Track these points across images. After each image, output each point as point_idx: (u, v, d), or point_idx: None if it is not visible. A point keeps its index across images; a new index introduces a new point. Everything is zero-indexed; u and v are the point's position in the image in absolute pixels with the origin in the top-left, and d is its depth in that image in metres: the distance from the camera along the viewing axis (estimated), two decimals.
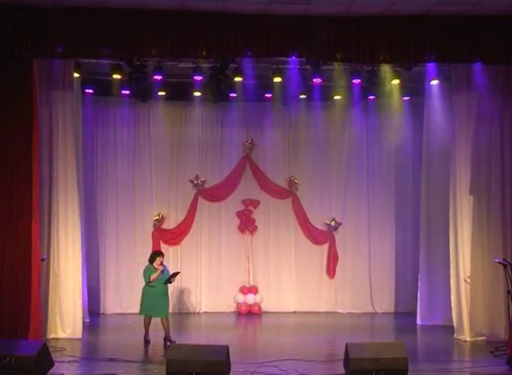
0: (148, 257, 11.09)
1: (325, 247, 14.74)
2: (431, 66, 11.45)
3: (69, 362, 9.00)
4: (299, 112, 14.42)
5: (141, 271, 14.17)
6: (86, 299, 12.56)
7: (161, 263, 10.65)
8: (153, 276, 10.45)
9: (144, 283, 10.93)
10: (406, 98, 14.01)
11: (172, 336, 10.80)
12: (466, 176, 11.09)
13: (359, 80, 12.44)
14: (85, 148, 13.39)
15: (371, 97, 13.83)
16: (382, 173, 14.72)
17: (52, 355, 8.52)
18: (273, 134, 14.74)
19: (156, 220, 14.55)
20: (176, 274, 10.72)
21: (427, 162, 12.96)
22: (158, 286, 10.47)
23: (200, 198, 14.73)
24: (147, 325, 10.57)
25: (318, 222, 14.75)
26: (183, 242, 14.57)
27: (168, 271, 10.81)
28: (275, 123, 14.72)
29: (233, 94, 13.43)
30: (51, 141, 11.06)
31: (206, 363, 7.82)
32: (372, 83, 12.56)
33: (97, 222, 14.35)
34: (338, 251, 14.70)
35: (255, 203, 14.81)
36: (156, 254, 10.72)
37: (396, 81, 12.34)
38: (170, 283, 10.71)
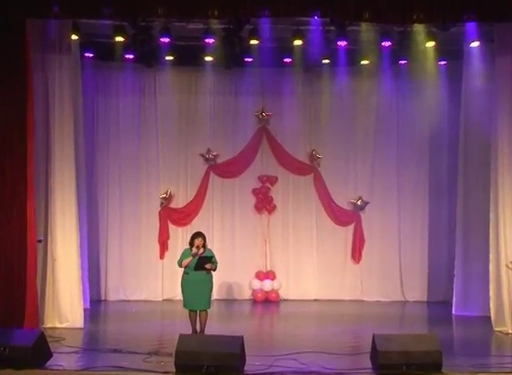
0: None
1: (350, 228, 14.75)
2: (470, 26, 11.21)
3: (68, 353, 9.03)
4: (321, 78, 14.33)
5: (147, 254, 14.56)
6: (86, 285, 12.63)
7: (200, 246, 10.01)
8: (185, 262, 10.02)
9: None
10: (442, 63, 13.81)
11: (180, 325, 10.75)
12: (509, 152, 10.89)
13: (389, 43, 12.25)
14: (85, 119, 13.38)
15: (403, 61, 13.67)
16: (414, 147, 14.60)
17: (50, 345, 8.51)
18: (293, 104, 14.68)
19: (163, 199, 14.56)
20: (206, 259, 9.95)
21: (465, 134, 12.73)
22: (192, 273, 10.03)
23: (211, 174, 14.73)
24: (192, 320, 10.09)
25: (343, 201, 14.74)
26: (193, 223, 14.57)
27: (211, 255, 10.10)
28: (295, 91, 14.64)
29: (249, 59, 13.34)
30: (47, 111, 11.04)
31: (218, 355, 7.80)
32: (404, 46, 12.35)
33: (98, 201, 14.40)
34: (364, 234, 14.69)
35: (273, 180, 14.80)
36: (194, 235, 10.17)
37: (431, 43, 12.15)
38: (203, 269, 9.95)
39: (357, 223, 14.68)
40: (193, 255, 10.00)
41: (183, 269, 10.15)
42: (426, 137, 14.54)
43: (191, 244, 10.13)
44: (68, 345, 9.49)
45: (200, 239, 10.09)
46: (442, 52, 13.05)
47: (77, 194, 11.33)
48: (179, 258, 10.18)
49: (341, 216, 14.70)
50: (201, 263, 9.95)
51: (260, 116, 14.72)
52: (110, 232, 14.48)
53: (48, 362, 8.29)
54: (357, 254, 14.67)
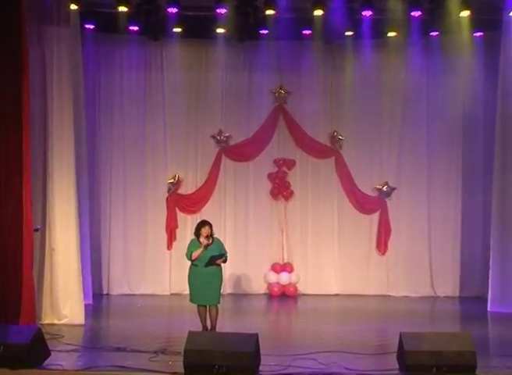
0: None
1: (375, 217, 14.75)
2: None
3: (68, 351, 9.05)
4: (344, 53, 14.31)
5: (154, 245, 14.59)
6: (88, 277, 12.65)
7: (208, 236, 10.04)
8: (195, 254, 9.98)
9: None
10: (478, 34, 13.67)
11: (189, 321, 10.77)
12: None
13: (419, 13, 12.14)
14: (85, 98, 13.35)
15: (434, 33, 13.54)
16: (446, 129, 14.51)
17: (48, 342, 8.54)
18: (312, 80, 14.66)
19: (171, 184, 14.58)
20: (219, 257, 9.98)
21: (503, 114, 12.57)
22: (202, 265, 10.00)
23: (223, 157, 14.74)
24: (202, 316, 10.10)
25: (367, 186, 14.73)
26: (204, 210, 14.61)
27: (220, 247, 10.13)
28: (315, 66, 14.62)
29: (264, 31, 13.30)
30: (44, 90, 11.03)
31: (231, 354, 7.81)
32: (436, 16, 12.23)
33: (100, 186, 14.46)
34: (390, 222, 14.68)
35: (290, 163, 14.78)
36: (200, 224, 10.15)
37: (465, 13, 12.00)
38: (214, 265, 10.00)
39: (383, 210, 14.67)
40: (205, 247, 10.00)
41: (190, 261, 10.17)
42: (459, 117, 14.45)
43: (197, 234, 10.12)
44: (67, 343, 9.51)
45: (207, 228, 10.07)
46: (478, 23, 12.87)
47: (77, 179, 11.34)
48: (186, 250, 10.14)
49: (365, 203, 14.69)
50: (213, 260, 9.98)
51: (277, 94, 14.68)
52: (113, 221, 14.52)
53: (46, 361, 8.30)
54: (382, 245, 14.66)
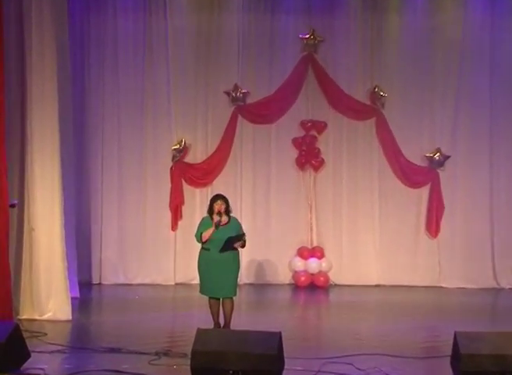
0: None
1: (425, 191, 14.75)
2: None
3: (51, 352, 9.10)
4: None
5: (155, 225, 14.60)
6: (74, 264, 12.65)
7: (221, 213, 9.99)
8: (205, 234, 9.94)
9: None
10: None
11: (198, 317, 10.74)
12: None
13: None
14: (72, 47, 13.24)
15: None
16: None
17: (27, 342, 8.57)
18: (349, 24, 14.61)
19: (176, 151, 14.58)
20: (237, 239, 9.92)
21: None
22: (215, 250, 9.95)
23: (240, 118, 14.71)
24: (213, 310, 10.14)
25: (415, 154, 14.71)
26: (216, 183, 14.63)
27: (238, 228, 10.06)
28: (353, 8, 14.55)
29: None
30: (21, 35, 10.97)
31: (248, 357, 7.81)
32: None
33: (90, 153, 14.49)
34: (443, 198, 14.66)
35: (321, 126, 14.73)
36: (212, 199, 10.14)
37: None
38: (232, 249, 9.94)
39: (434, 184, 14.66)
40: (217, 225, 9.93)
41: (200, 244, 10.13)
42: None
43: (210, 211, 10.09)
44: (51, 342, 9.56)
45: (220, 203, 10.02)
46: None
47: (62, 143, 11.28)
48: (196, 230, 10.12)
49: (412, 175, 14.68)
50: (230, 244, 9.91)
51: (306, 41, 14.60)
52: (106, 195, 14.59)
53: (25, 365, 8.32)
54: (433, 225, 14.67)
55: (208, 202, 10.32)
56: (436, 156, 14.61)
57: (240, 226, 10.19)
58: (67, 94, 12.23)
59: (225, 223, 10.00)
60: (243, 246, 10.12)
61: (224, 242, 9.87)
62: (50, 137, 11.03)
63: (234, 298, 10.15)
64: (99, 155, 14.56)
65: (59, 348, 9.32)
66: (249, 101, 14.73)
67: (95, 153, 14.53)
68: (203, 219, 10.22)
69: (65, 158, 11.69)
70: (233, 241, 9.92)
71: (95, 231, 14.54)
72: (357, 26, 14.59)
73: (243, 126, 14.74)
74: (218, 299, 10.12)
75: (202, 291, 10.16)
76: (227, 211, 10.06)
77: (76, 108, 13.56)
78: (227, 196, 10.28)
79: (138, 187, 14.61)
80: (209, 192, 14.38)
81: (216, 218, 9.97)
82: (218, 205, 10.01)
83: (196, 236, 10.08)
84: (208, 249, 10.01)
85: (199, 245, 10.19)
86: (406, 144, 14.64)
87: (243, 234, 10.04)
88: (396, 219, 14.71)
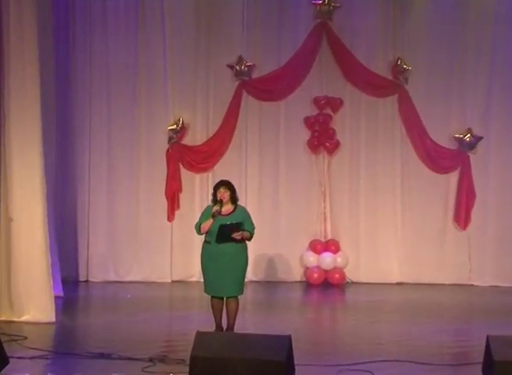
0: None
1: (454, 177, 14.79)
2: None
3: (32, 358, 9.04)
4: None
5: (149, 215, 14.55)
6: (58, 259, 12.61)
7: (225, 201, 9.89)
8: (204, 226, 9.89)
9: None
10: None
11: (197, 318, 10.76)
12: None
13: None
14: (55, 14, 13.22)
15: None
16: None
17: (5, 346, 8.44)
18: None
19: (173, 132, 14.53)
20: (231, 227, 9.77)
21: None
22: (215, 242, 9.88)
23: (245, 94, 14.70)
24: (216, 311, 10.11)
25: (443, 135, 14.71)
26: (217, 167, 14.63)
27: (245, 218, 9.93)
28: None
29: None
30: None
31: (254, 364, 7.77)
32: None
33: (75, 133, 14.44)
34: (475, 186, 14.64)
35: (336, 103, 14.71)
36: (216, 186, 10.06)
37: None
38: (229, 240, 9.79)
39: (464, 168, 14.68)
40: (214, 216, 9.81)
41: (203, 237, 10.09)
42: None
43: (214, 199, 10.00)
44: (32, 347, 9.53)
45: (223, 190, 9.93)
46: None
47: (43, 121, 11.18)
48: (198, 220, 10.06)
49: (440, 159, 14.67)
50: (225, 233, 9.76)
51: (319, 7, 14.53)
52: (94, 181, 14.57)
53: (3, 371, 8.22)
54: (462, 216, 14.69)
55: (213, 188, 10.19)
56: (467, 137, 14.60)
57: (247, 216, 10.01)
58: (49, 62, 12.20)
59: (230, 213, 9.89)
60: (249, 238, 9.96)
61: (217, 230, 9.73)
62: (30, 112, 10.97)
63: (239, 297, 10.06)
64: (85, 137, 14.50)
65: (41, 353, 9.29)
66: (255, 75, 14.70)
67: (81, 134, 14.48)
68: (206, 207, 10.20)
69: (47, 139, 11.62)
70: (229, 229, 9.74)
71: (81, 222, 14.51)
72: None
73: (249, 104, 14.72)
74: (222, 298, 10.05)
75: (206, 290, 10.08)
76: (233, 199, 9.95)
77: (59, 79, 13.52)
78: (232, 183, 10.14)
79: (130, 172, 14.58)
80: (210, 178, 14.41)
81: (215, 207, 9.85)
82: (221, 193, 9.90)
83: (195, 227, 10.01)
84: (209, 242, 9.95)
85: (200, 238, 10.15)
86: (432, 124, 14.62)
87: (241, 223, 9.82)
88: (420, 209, 14.69)
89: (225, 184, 9.96)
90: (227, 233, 9.72)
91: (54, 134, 12.92)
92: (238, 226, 9.75)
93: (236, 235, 9.77)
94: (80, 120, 14.45)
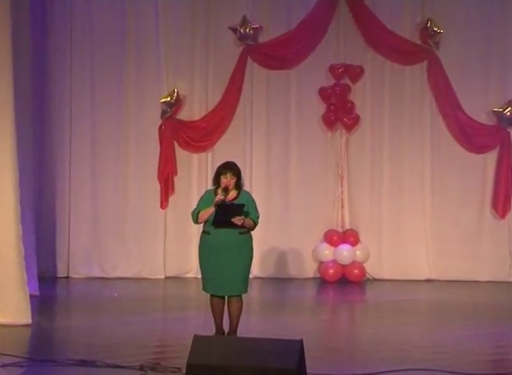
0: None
1: (492, 157, 14.82)
2: None
3: (4, 366, 8.95)
4: None
5: (139, 201, 14.56)
6: (33, 253, 12.55)
7: (230, 188, 9.79)
8: (202, 214, 9.80)
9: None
10: None
11: (194, 320, 10.86)
12: None
13: None
14: None
15: None
16: None
17: None
18: None
19: (167, 104, 14.50)
20: (233, 207, 9.72)
21: None
22: (215, 233, 9.81)
23: (250, 61, 14.68)
24: (216, 311, 10.09)
25: (480, 109, 14.74)
26: (218, 146, 14.65)
27: (249, 204, 9.87)
28: None
29: None
30: None
31: (260, 372, 7.77)
32: None
33: (54, 109, 14.45)
34: None
35: (355, 72, 14.73)
36: (220, 168, 9.93)
37: None
38: (229, 225, 9.69)
39: (504, 147, 14.71)
40: (217, 204, 9.69)
41: (201, 227, 10.02)
42: None
43: (217, 183, 9.89)
44: (4, 353, 9.44)
45: (230, 176, 9.80)
46: None
47: (16, 93, 11.09)
48: (195, 207, 9.97)
49: (476, 136, 14.68)
50: (225, 214, 9.64)
51: None
52: (75, 163, 14.61)
53: None
54: (501, 202, 14.71)
55: (215, 170, 10.03)
56: (507, 111, 14.60)
57: (252, 202, 9.91)
58: (22, 25, 12.08)
59: (233, 199, 9.79)
60: (252, 227, 9.86)
61: (215, 210, 9.63)
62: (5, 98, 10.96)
63: (243, 296, 10.01)
64: (66, 112, 14.54)
65: (15, 360, 9.20)
66: (262, 39, 14.70)
67: (60, 109, 14.51)
68: (206, 192, 10.10)
69: (21, 113, 11.58)
70: (229, 210, 9.63)
71: (61, 211, 14.55)
72: None
73: (254, 73, 14.74)
74: (223, 298, 9.99)
75: (205, 288, 10.02)
76: (238, 186, 9.88)
77: (36, 44, 13.51)
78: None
79: (117, 151, 14.60)
80: (209, 159, 14.45)
81: (220, 194, 9.73)
82: (227, 179, 9.75)
83: (192, 214, 9.86)
84: (208, 233, 9.86)
85: (198, 228, 10.16)
86: (467, 96, 14.65)
87: (244, 205, 9.69)
88: (453, 195, 14.71)
89: (233, 169, 9.82)
90: (227, 215, 9.59)
91: (29, 109, 12.86)
92: (240, 209, 9.62)
93: (237, 220, 9.63)
94: (60, 94, 14.52)
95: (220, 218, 9.60)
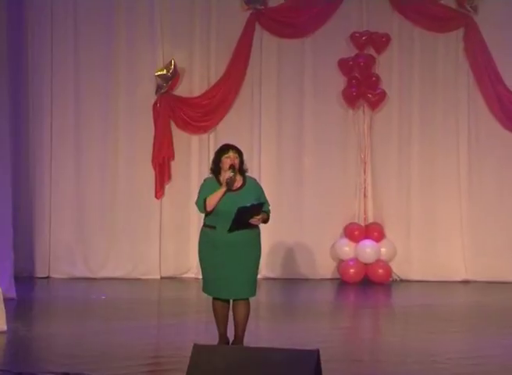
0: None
1: None
2: None
3: None
4: None
5: (131, 190, 14.71)
6: (9, 251, 12.68)
7: (235, 168, 9.85)
8: (210, 199, 9.86)
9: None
10: None
11: (194, 326, 10.95)
12: None
13: None
14: None
15: None
16: None
17: None
18: None
19: (163, 78, 14.56)
20: (253, 209, 9.73)
21: None
22: (222, 228, 9.82)
23: (258, 28, 14.75)
24: (219, 317, 10.14)
25: None
26: (221, 127, 14.77)
27: (258, 193, 9.94)
28: None
29: None
30: None
31: None
32: None
33: (32, 84, 14.54)
34: None
35: (381, 41, 14.78)
36: (221, 150, 10.00)
37: None
38: (246, 227, 9.77)
39: None
40: (227, 184, 9.73)
41: (201, 220, 10.02)
42: None
43: (216, 168, 9.94)
44: None
45: (233, 155, 9.85)
46: None
47: None
48: (197, 197, 9.92)
49: None
50: (244, 219, 9.68)
51: None
52: (57, 147, 14.73)
53: None
54: None
55: (213, 156, 10.06)
56: None
57: (260, 190, 9.99)
58: None
59: (239, 187, 9.86)
60: (265, 221, 9.92)
61: (235, 215, 9.63)
62: None
63: (251, 299, 10.05)
64: (46, 87, 14.64)
65: None
66: (271, 3, 14.73)
67: (40, 83, 14.62)
68: (205, 181, 10.07)
69: None
70: (249, 212, 9.69)
71: (40, 200, 14.65)
72: None
73: (264, 41, 14.83)
74: (227, 301, 10.05)
75: (206, 290, 10.09)
76: (241, 170, 9.93)
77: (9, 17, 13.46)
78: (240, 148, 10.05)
79: (105, 132, 14.70)
80: (211, 141, 14.55)
81: (228, 174, 9.78)
82: (231, 159, 9.80)
83: (198, 204, 9.86)
84: (213, 227, 9.86)
85: (198, 221, 10.31)
86: (509, 67, 14.60)
87: (263, 204, 9.77)
88: (492, 183, 14.82)
89: (234, 149, 9.89)
90: (246, 217, 9.68)
91: (6, 78, 12.95)
92: (259, 209, 9.70)
93: (256, 220, 9.74)
94: (39, 66, 14.59)
95: (239, 223, 9.65)
